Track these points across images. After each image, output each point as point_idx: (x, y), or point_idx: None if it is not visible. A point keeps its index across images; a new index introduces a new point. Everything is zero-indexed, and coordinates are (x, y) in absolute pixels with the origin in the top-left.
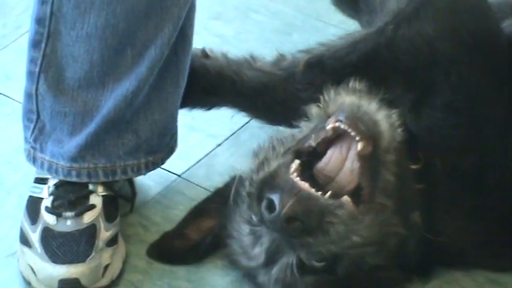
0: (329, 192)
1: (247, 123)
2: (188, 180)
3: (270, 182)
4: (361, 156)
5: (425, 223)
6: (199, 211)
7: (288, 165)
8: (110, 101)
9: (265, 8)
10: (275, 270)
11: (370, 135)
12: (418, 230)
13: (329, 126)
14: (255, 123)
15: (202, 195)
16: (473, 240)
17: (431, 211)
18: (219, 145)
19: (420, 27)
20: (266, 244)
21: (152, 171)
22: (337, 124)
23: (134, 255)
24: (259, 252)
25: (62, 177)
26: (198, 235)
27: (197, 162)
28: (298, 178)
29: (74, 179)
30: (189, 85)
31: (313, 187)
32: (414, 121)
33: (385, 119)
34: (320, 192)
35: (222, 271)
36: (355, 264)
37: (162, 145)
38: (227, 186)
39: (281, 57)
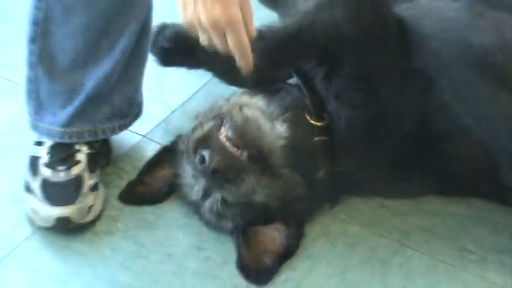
0: (245, 153)
1: (194, 94)
2: (150, 139)
3: (203, 141)
4: (249, 157)
5: (332, 162)
6: (152, 163)
7: (217, 128)
8: (91, 81)
9: None
10: (207, 203)
11: (254, 146)
12: (325, 182)
13: (221, 136)
14: (201, 94)
15: None
16: (371, 173)
17: (336, 153)
18: (173, 112)
19: (333, 14)
20: (202, 184)
21: (123, 133)
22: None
23: (112, 196)
24: (198, 189)
25: (57, 140)
26: (155, 182)
27: (157, 125)
28: (225, 139)
29: (66, 141)
30: (176, 48)
31: (234, 147)
32: (325, 87)
33: (266, 132)
34: (239, 152)
35: (178, 206)
36: (266, 204)
37: (131, 111)
38: (173, 142)
39: None
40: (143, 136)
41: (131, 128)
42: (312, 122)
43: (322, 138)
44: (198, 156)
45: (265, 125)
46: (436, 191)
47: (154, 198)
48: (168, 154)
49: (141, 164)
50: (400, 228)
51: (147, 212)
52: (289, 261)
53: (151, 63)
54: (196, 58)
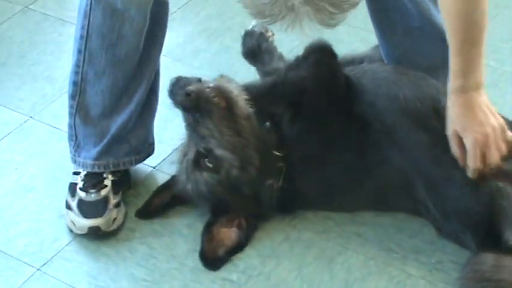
0: (216, 98)
1: None
2: (159, 170)
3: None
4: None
5: (285, 182)
6: (161, 188)
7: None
8: (114, 126)
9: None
10: (186, 159)
11: (224, 97)
12: (272, 192)
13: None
14: None
15: (166, 178)
16: (321, 193)
17: (291, 177)
18: (175, 150)
19: (299, 72)
20: (185, 146)
21: (139, 165)
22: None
23: (130, 212)
24: (181, 153)
25: (89, 170)
26: (160, 201)
27: (163, 160)
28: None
29: (96, 170)
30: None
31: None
32: (289, 126)
33: (236, 94)
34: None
35: (180, 220)
36: (231, 173)
37: (145, 149)
38: (173, 176)
39: None
40: (153, 168)
41: (145, 162)
42: (273, 151)
43: (280, 164)
44: (182, 91)
45: (239, 91)
46: (367, 206)
47: (159, 211)
48: (171, 182)
49: (152, 188)
50: (342, 234)
51: (156, 223)
52: (260, 260)
53: (159, 114)
54: None
